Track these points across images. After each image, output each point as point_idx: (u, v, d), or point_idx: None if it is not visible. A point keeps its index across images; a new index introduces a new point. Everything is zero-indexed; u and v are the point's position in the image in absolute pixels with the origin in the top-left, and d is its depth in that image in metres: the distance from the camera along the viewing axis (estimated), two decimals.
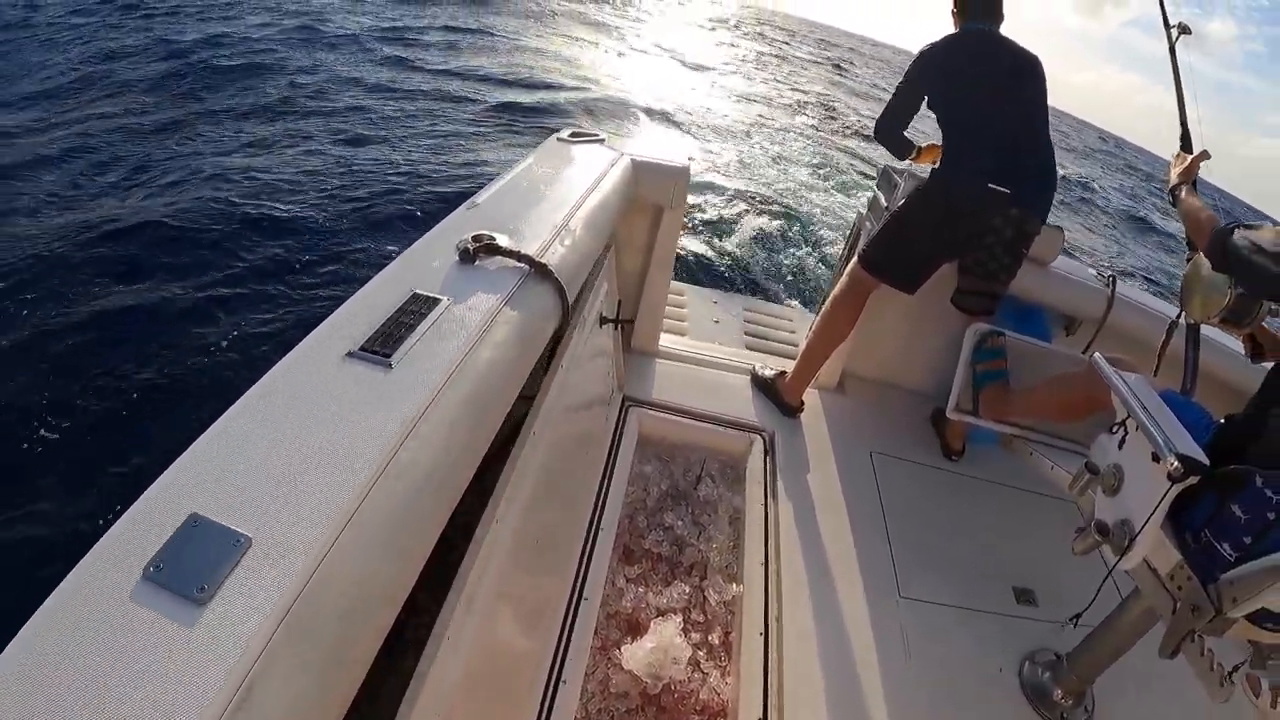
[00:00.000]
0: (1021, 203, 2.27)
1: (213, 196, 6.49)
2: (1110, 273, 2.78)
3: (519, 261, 1.52)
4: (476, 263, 1.51)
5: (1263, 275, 1.53)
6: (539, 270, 1.52)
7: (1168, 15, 2.30)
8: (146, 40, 11.72)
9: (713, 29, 40.30)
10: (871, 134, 2.64)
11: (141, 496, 0.83)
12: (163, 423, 3.98)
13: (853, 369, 3.01)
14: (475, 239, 1.53)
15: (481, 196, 1.92)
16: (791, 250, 7.79)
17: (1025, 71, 2.37)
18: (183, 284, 5.26)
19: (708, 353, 3.09)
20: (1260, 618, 1.36)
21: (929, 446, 2.79)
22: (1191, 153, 2.05)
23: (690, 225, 7.71)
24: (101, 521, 0.79)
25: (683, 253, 6.98)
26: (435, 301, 1.33)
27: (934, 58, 2.41)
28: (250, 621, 0.71)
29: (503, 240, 1.56)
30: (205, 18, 13.89)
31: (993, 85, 2.33)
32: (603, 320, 2.18)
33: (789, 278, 6.94)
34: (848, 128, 16.77)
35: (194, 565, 0.75)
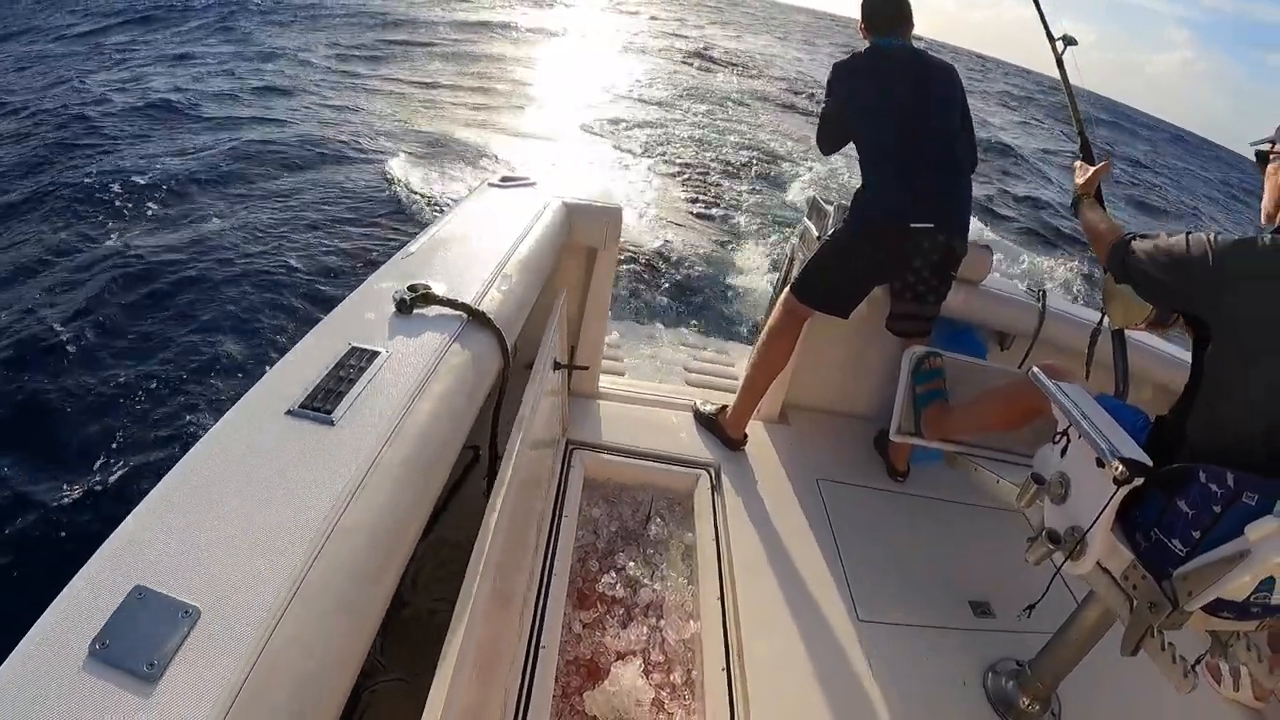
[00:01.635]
0: (945, 229, 2.35)
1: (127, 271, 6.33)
2: (1041, 287, 2.88)
3: (457, 310, 1.53)
4: (414, 313, 1.50)
5: (1155, 290, 1.62)
6: (477, 318, 1.53)
7: (1050, 29, 2.34)
8: None
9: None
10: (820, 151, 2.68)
11: (83, 568, 0.80)
12: (101, 487, 3.86)
13: (794, 399, 3.07)
14: (411, 289, 1.53)
15: (415, 245, 1.92)
16: (728, 282, 7.93)
17: (938, 85, 2.43)
18: (111, 348, 5.21)
19: (648, 392, 3.12)
20: (1216, 607, 1.40)
21: (874, 470, 2.85)
22: (1093, 163, 2.09)
23: (624, 263, 7.78)
24: (41, 596, 0.75)
25: (618, 292, 7.05)
26: (374, 355, 1.33)
27: (845, 75, 2.47)
28: (205, 699, 0.70)
29: (439, 289, 1.57)
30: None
31: (905, 106, 2.37)
32: (556, 365, 2.18)
33: (727, 309, 7.06)
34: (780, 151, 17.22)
35: (142, 640, 0.72)
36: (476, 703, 1.51)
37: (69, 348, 5.13)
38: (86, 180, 8.00)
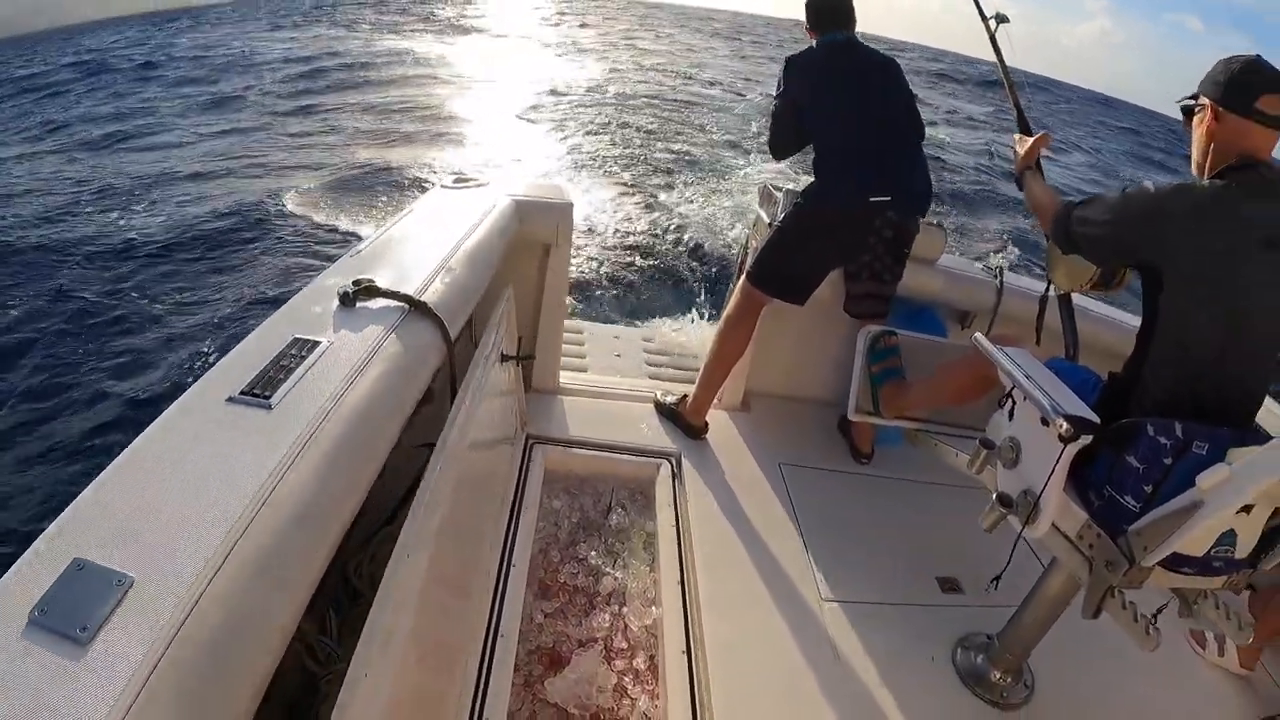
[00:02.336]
0: (897, 206, 2.35)
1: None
2: (998, 264, 2.90)
3: (398, 301, 1.57)
4: (357, 305, 1.55)
5: (1103, 247, 1.63)
6: (418, 307, 1.58)
7: (983, 7, 2.37)
8: None
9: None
10: (770, 155, 2.68)
11: (31, 545, 0.85)
12: (57, 472, 4.15)
13: (755, 386, 3.06)
14: (355, 283, 1.58)
15: (364, 244, 1.97)
16: (686, 274, 7.96)
17: (884, 76, 2.45)
18: (76, 340, 5.60)
19: (610, 385, 3.09)
20: (1176, 563, 1.40)
21: (838, 453, 2.84)
22: (1031, 135, 2.11)
23: (583, 261, 7.83)
24: None
25: (579, 290, 7.07)
26: (315, 344, 1.38)
27: (796, 71, 2.47)
28: (132, 657, 0.74)
29: (382, 282, 1.61)
30: None
31: (855, 95, 2.39)
32: (504, 358, 2.17)
33: (686, 301, 7.07)
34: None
35: (78, 607, 0.77)
36: (429, 690, 1.48)
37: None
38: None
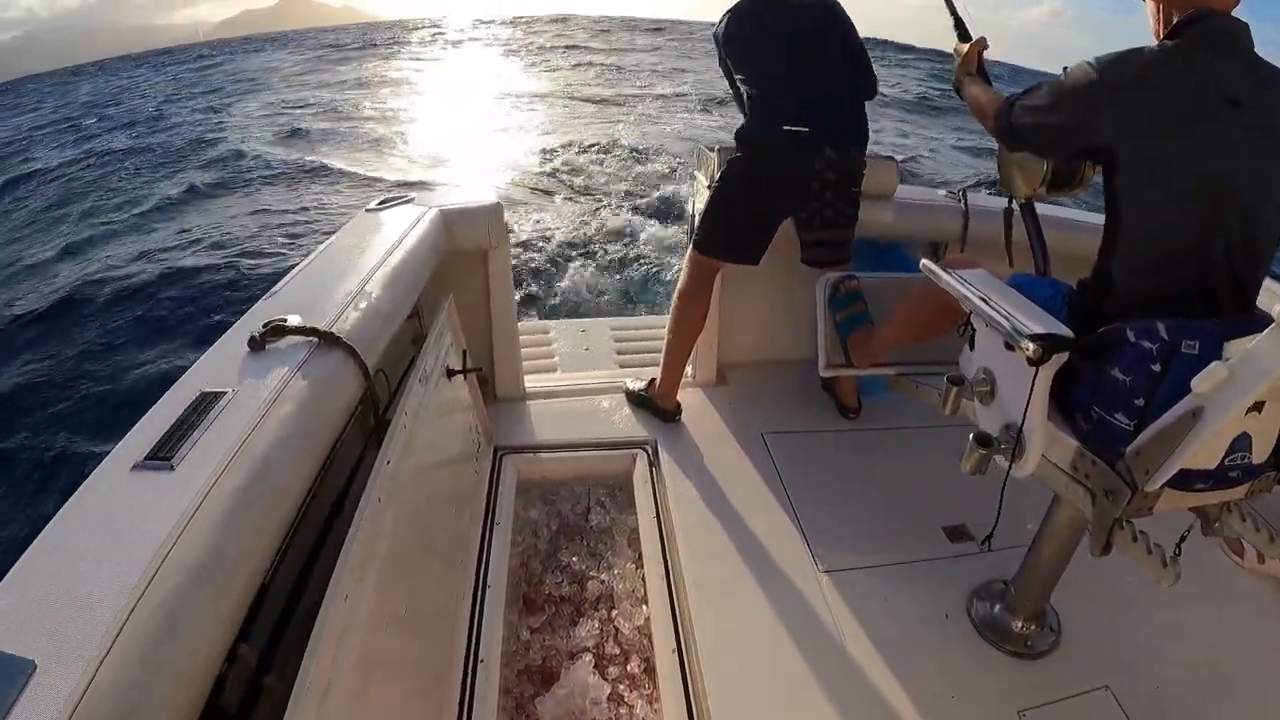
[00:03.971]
0: (827, 139, 2.21)
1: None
2: (960, 187, 2.75)
3: (307, 336, 1.49)
4: (266, 348, 1.47)
5: (1048, 135, 1.49)
6: (326, 339, 1.50)
7: None
8: None
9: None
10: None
11: None
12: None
13: (729, 358, 2.93)
14: (265, 325, 1.50)
15: (280, 284, 1.86)
16: (641, 255, 7.89)
17: (812, 19, 2.29)
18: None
19: (579, 382, 2.96)
20: (1186, 480, 1.24)
21: (823, 414, 2.71)
22: (969, 42, 1.97)
23: (535, 260, 7.76)
24: None
25: (543, 292, 6.97)
26: (220, 395, 1.31)
27: (722, 33, 2.35)
28: None
29: (293, 320, 1.53)
30: None
31: (778, 40, 2.26)
32: (450, 373, 2.05)
33: (646, 283, 7.00)
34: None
35: None
36: None
37: None
38: None
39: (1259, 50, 1.32)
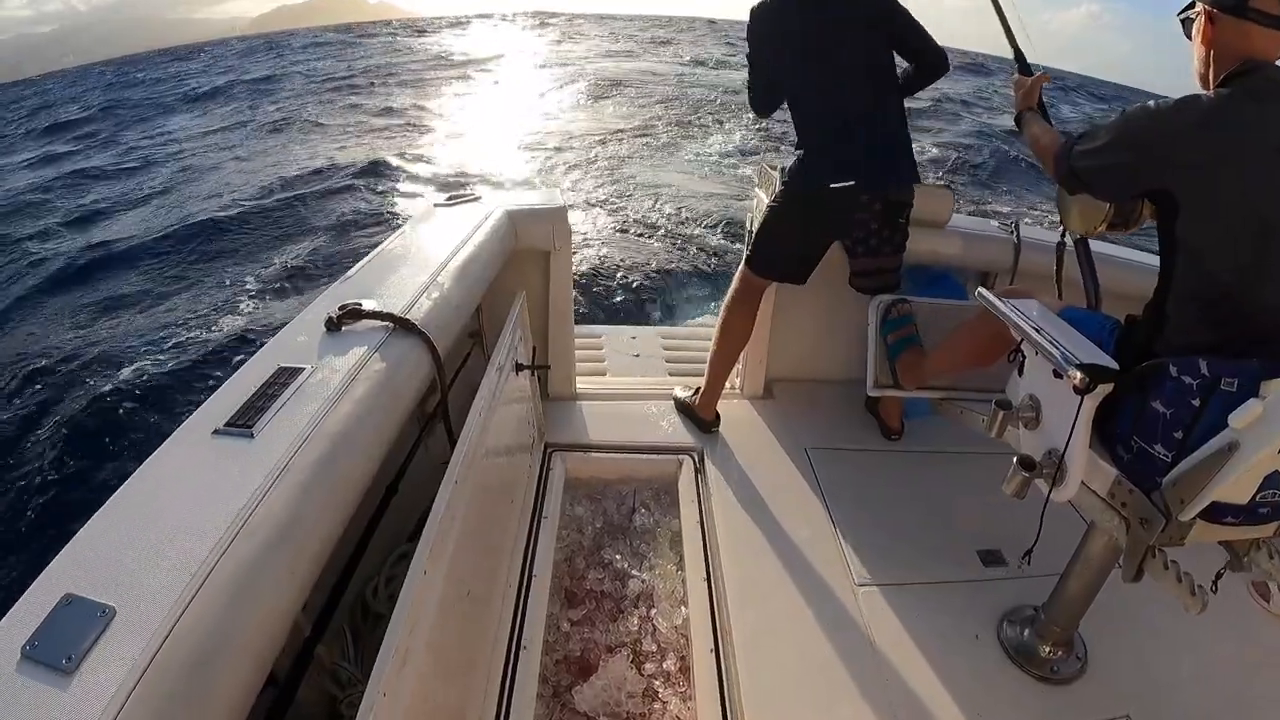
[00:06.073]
0: (872, 186, 2.21)
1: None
2: (1014, 219, 2.76)
3: (382, 321, 1.59)
4: (343, 330, 1.58)
5: (1109, 179, 1.50)
6: (402, 325, 1.59)
7: None
8: None
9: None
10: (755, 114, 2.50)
11: (31, 585, 0.92)
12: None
13: (777, 372, 2.98)
14: (341, 308, 1.61)
15: (354, 269, 1.99)
16: (700, 267, 7.93)
17: (837, 9, 2.17)
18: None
19: (629, 386, 3.05)
20: (1218, 514, 1.28)
21: (866, 433, 2.74)
22: (1029, 75, 1.97)
23: (590, 266, 7.85)
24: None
25: (592, 297, 7.07)
26: (299, 371, 1.40)
27: (754, 23, 2.26)
28: (111, 683, 0.78)
29: (368, 304, 1.64)
30: None
31: (822, 46, 2.17)
32: (519, 368, 2.14)
33: (701, 294, 7.04)
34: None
35: (64, 639, 0.83)
36: (450, 707, 1.45)
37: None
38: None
39: None
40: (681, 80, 26.09)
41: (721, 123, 16.79)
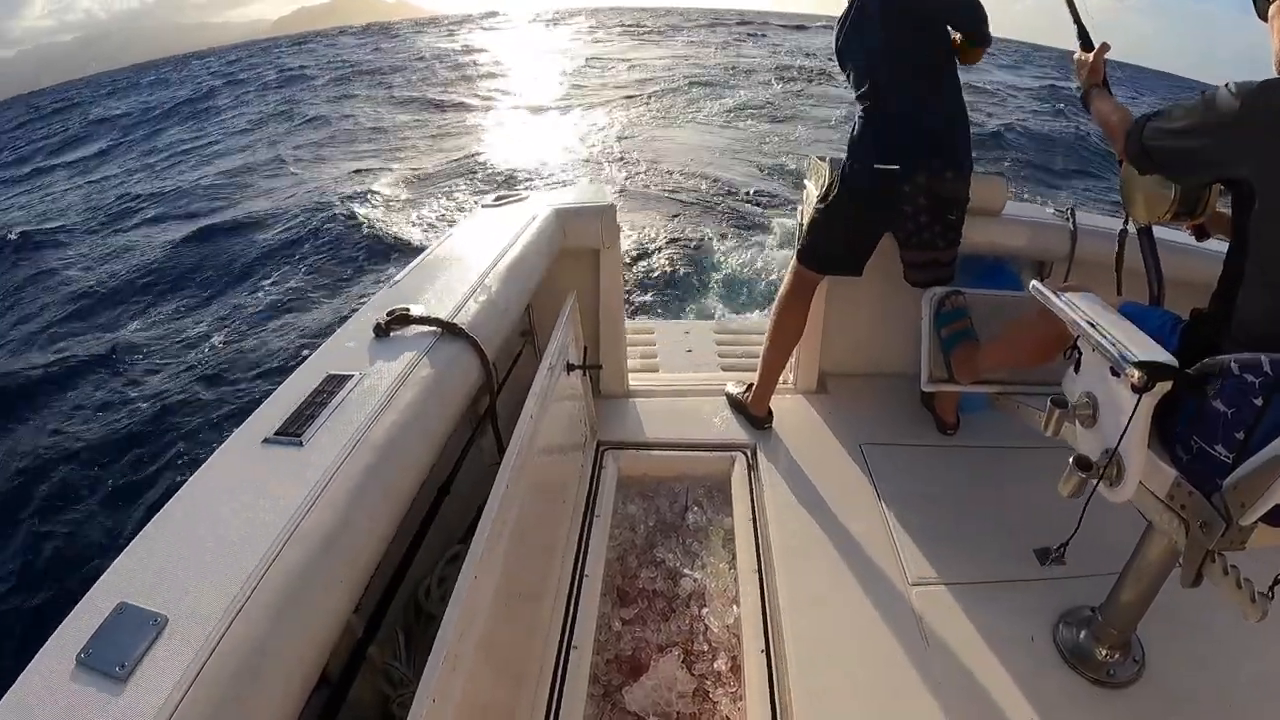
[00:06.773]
0: (918, 170, 2.15)
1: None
2: (1069, 205, 2.67)
3: (430, 326, 1.60)
4: (391, 335, 1.59)
5: (1182, 160, 1.43)
6: (450, 330, 1.60)
7: None
8: None
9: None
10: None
11: (85, 595, 0.94)
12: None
13: (831, 367, 2.94)
14: (389, 313, 1.62)
15: (402, 274, 2.02)
16: (755, 263, 7.84)
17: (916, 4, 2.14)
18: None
19: (681, 383, 3.04)
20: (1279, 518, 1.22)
21: (921, 428, 2.68)
22: (1092, 49, 1.88)
23: (642, 264, 7.86)
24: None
25: (649, 294, 7.08)
26: (347, 378, 1.42)
27: (841, 22, 2.25)
28: (163, 690, 0.80)
29: (416, 310, 1.65)
30: None
31: (885, 24, 2.14)
32: (570, 367, 2.16)
33: (756, 290, 6.97)
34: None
35: (117, 647, 0.85)
36: (500, 707, 1.48)
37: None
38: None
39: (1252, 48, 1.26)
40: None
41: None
